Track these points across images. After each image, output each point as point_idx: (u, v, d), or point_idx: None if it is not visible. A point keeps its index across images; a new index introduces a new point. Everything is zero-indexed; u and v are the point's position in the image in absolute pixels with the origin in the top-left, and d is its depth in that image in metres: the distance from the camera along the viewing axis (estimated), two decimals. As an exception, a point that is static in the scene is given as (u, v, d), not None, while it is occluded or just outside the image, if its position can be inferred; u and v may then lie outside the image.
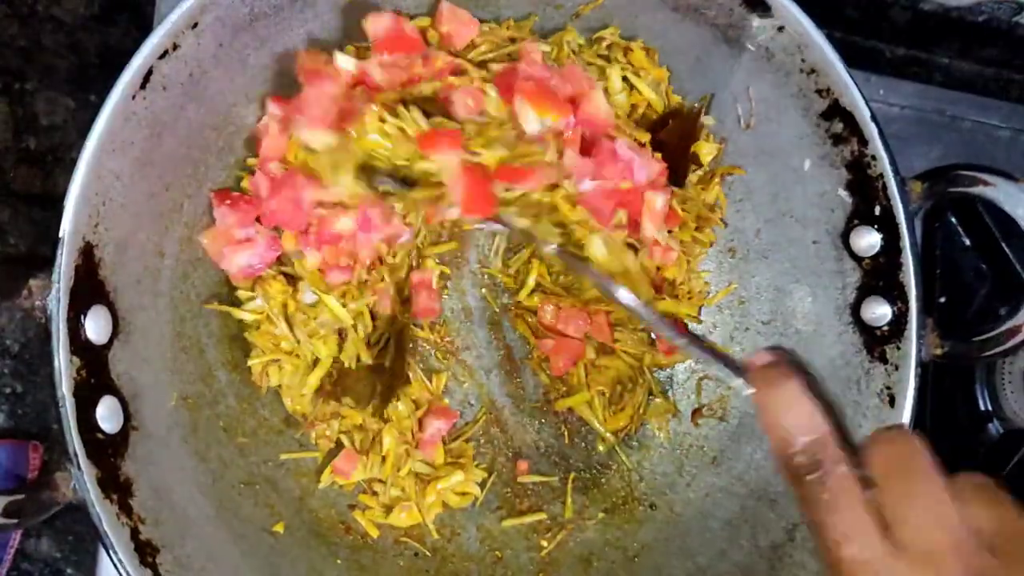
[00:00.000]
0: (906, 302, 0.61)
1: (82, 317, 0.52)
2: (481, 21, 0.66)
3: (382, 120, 0.58)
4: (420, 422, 0.70)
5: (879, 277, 0.63)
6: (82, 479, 0.50)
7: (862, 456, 0.39)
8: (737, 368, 0.46)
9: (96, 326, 0.53)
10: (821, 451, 0.39)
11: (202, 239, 0.63)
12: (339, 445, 0.69)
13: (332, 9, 0.63)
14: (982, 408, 0.84)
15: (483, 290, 0.74)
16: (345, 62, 0.59)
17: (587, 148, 0.61)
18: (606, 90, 0.67)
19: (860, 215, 0.63)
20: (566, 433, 0.74)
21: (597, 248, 0.61)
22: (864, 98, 0.60)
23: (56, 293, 0.50)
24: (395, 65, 0.60)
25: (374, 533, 0.68)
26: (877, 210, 0.62)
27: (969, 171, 0.59)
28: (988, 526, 0.37)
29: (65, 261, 0.51)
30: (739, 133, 0.70)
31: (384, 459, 0.68)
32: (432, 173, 0.58)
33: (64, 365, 0.50)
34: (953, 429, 0.83)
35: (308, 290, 0.66)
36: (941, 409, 0.82)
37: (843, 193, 0.64)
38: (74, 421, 0.50)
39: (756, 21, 0.61)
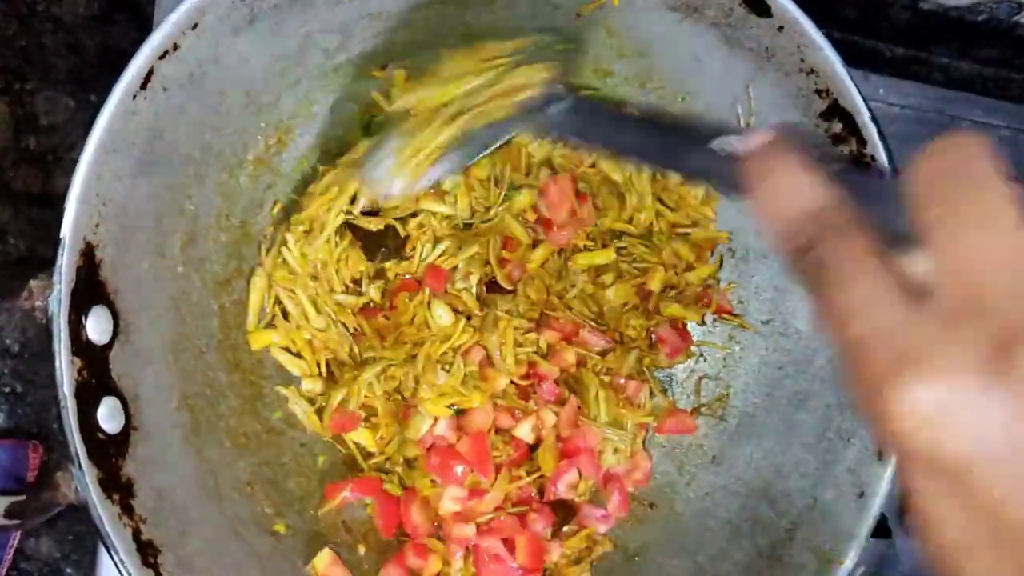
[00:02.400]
0: (905, 302, 0.61)
1: (83, 318, 0.52)
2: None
3: None
4: None
5: (878, 277, 0.63)
6: (84, 480, 0.50)
7: (901, 182, 0.29)
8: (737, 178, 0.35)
9: (97, 327, 0.53)
10: (823, 219, 0.30)
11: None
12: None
13: (332, 9, 0.63)
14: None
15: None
16: None
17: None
18: None
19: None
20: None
21: None
22: (864, 98, 0.60)
23: (57, 294, 0.50)
24: None
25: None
26: (877, 210, 0.62)
27: (968, 171, 0.59)
28: None
29: (66, 262, 0.50)
30: (739, 133, 0.70)
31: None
32: None
33: (65, 366, 0.50)
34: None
35: None
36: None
37: (843, 193, 0.64)
38: (75, 422, 0.50)
39: (755, 21, 0.61)
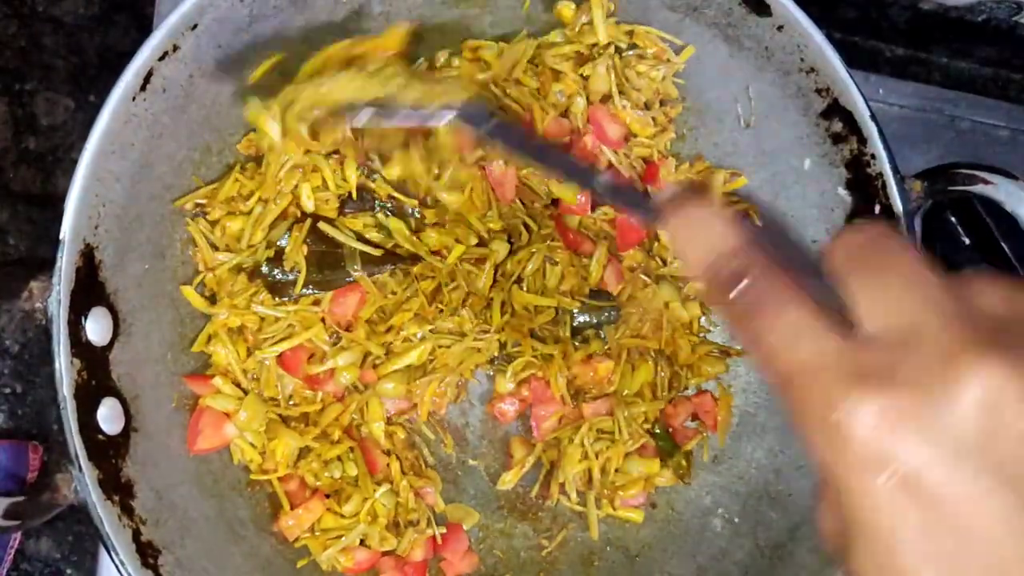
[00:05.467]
0: (906, 302, 0.61)
1: (83, 319, 0.52)
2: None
3: None
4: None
5: (879, 277, 0.63)
6: (83, 481, 0.50)
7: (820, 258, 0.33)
8: (650, 210, 0.39)
9: (97, 328, 0.53)
10: (743, 258, 0.32)
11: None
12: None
13: (330, 10, 0.63)
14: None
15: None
16: None
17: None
18: None
19: (860, 214, 0.63)
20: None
21: None
22: (863, 97, 0.60)
23: (57, 295, 0.50)
24: None
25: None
26: (877, 209, 0.62)
27: (969, 170, 0.59)
28: (1000, 310, 0.29)
29: (66, 263, 0.51)
30: (739, 132, 0.70)
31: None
32: None
33: (65, 367, 0.50)
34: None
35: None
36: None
37: (843, 192, 0.64)
38: (75, 423, 0.50)
39: (755, 21, 0.61)
